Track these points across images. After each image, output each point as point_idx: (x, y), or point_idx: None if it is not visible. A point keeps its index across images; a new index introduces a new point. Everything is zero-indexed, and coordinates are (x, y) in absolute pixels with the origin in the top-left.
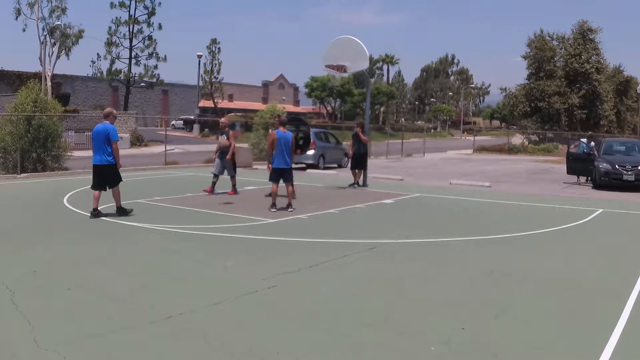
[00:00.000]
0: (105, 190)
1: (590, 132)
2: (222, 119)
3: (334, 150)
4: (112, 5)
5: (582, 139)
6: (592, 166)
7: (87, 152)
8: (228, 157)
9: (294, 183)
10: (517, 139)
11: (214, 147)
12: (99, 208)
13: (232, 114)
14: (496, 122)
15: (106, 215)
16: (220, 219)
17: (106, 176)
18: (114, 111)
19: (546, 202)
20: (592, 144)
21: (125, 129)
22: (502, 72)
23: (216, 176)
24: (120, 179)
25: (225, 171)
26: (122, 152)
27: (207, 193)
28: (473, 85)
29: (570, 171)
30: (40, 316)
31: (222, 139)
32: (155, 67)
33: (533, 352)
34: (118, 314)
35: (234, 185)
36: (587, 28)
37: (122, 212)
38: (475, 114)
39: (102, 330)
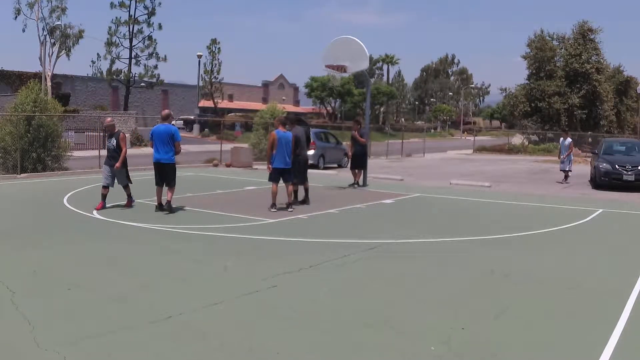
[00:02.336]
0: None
1: (564, 128)
2: (108, 119)
3: (333, 150)
4: (112, 5)
5: (561, 139)
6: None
7: (87, 152)
8: (117, 164)
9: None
10: (517, 139)
11: (214, 147)
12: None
13: (232, 114)
14: (496, 122)
15: (168, 210)
16: (220, 219)
17: (166, 172)
18: (171, 112)
19: (546, 202)
20: (569, 140)
21: (125, 129)
22: (502, 72)
23: (106, 188)
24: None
25: (117, 180)
26: None
27: (97, 210)
28: (473, 85)
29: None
30: (40, 316)
31: (111, 143)
32: (155, 67)
33: (533, 352)
34: (118, 314)
35: (129, 195)
36: (587, 28)
37: (170, 208)
38: (475, 114)
39: (102, 330)
